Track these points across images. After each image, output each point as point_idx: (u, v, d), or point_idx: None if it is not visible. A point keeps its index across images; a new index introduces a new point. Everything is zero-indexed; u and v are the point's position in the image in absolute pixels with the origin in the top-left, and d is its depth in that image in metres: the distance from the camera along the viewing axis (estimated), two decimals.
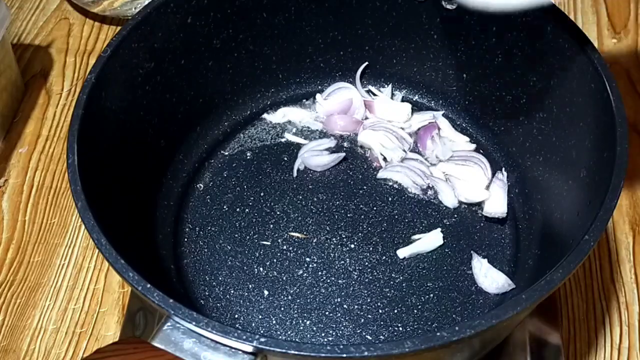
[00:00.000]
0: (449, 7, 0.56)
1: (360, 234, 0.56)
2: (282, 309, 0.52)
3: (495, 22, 0.55)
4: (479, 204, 0.57)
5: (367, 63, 0.64)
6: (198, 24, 0.56)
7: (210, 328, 0.35)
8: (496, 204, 0.56)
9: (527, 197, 0.56)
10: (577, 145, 0.49)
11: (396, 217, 0.57)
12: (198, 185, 0.60)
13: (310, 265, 0.54)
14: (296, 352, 0.34)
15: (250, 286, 0.54)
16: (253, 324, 0.52)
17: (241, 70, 0.62)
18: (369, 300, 0.52)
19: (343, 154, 0.60)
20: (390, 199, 0.58)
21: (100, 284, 0.58)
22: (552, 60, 0.52)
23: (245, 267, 0.55)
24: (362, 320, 0.51)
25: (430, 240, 0.55)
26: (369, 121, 0.63)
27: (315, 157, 0.60)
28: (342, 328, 0.51)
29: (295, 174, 0.60)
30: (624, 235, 0.59)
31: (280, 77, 0.64)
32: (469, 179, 0.58)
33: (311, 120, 0.64)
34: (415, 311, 0.52)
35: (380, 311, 0.52)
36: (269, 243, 0.56)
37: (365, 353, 0.34)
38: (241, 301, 0.53)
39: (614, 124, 0.43)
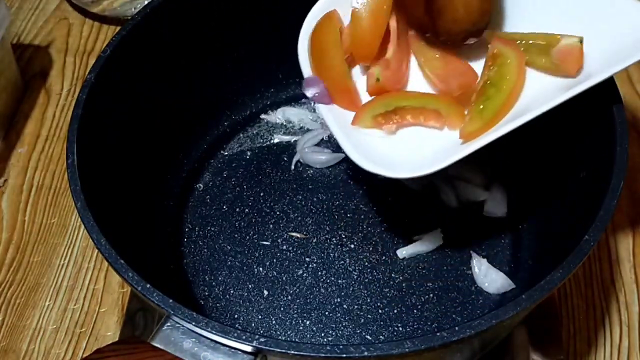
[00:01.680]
0: None
1: (360, 234, 0.56)
2: (282, 309, 0.52)
3: None
4: (479, 204, 0.57)
5: None
6: (198, 24, 0.56)
7: (210, 328, 0.35)
8: (496, 204, 0.56)
9: (527, 197, 0.56)
10: (577, 146, 0.49)
11: (396, 217, 0.57)
12: (198, 185, 0.60)
13: (310, 265, 0.54)
14: (296, 352, 0.34)
15: (250, 286, 0.54)
16: (253, 324, 0.52)
17: (241, 70, 0.62)
18: (369, 300, 0.52)
19: (343, 155, 0.60)
20: (390, 199, 0.58)
21: (100, 284, 0.58)
22: None
23: (245, 267, 0.55)
24: (362, 320, 0.51)
25: (430, 240, 0.55)
26: None
27: (315, 154, 0.60)
28: (342, 328, 0.51)
29: (292, 168, 0.60)
30: (624, 235, 0.59)
31: (280, 77, 0.64)
32: (469, 179, 0.58)
33: (311, 120, 0.64)
34: (415, 311, 0.52)
35: (380, 311, 0.52)
36: (268, 243, 0.56)
37: (365, 353, 0.34)
38: (241, 301, 0.53)
39: (614, 123, 0.43)
